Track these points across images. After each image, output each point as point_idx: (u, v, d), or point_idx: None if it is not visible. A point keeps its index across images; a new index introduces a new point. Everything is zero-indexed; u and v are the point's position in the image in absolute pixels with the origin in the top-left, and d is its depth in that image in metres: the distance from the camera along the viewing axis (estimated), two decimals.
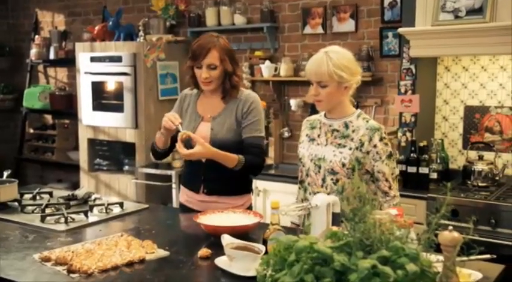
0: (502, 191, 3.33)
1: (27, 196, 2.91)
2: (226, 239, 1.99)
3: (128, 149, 4.75)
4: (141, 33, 4.61)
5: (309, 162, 2.42)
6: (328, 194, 2.35)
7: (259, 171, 2.63)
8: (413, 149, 3.49)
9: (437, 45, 3.31)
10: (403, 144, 3.56)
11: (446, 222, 3.29)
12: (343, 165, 2.31)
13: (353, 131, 2.34)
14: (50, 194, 2.96)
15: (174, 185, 4.28)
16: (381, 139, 2.30)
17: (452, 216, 3.20)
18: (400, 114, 3.60)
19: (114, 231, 2.34)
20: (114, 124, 4.70)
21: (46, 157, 5.78)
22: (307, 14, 4.29)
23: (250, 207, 2.69)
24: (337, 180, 2.34)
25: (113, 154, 4.99)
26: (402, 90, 3.56)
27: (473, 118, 3.72)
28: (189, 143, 2.45)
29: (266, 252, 1.83)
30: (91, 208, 2.64)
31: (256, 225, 2.23)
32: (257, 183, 4.01)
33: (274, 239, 1.46)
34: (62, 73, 5.93)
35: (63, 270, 1.86)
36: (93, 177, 4.95)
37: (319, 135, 2.44)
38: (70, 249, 2.01)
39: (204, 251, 2.01)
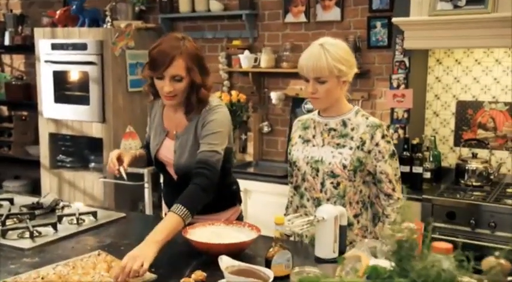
0: (498, 191, 3.17)
1: None
2: (225, 261, 1.71)
3: (94, 145, 4.39)
4: (108, 19, 4.24)
5: (304, 165, 2.19)
6: (328, 199, 2.14)
7: (210, 192, 2.04)
8: (405, 147, 3.29)
9: (434, 37, 3.10)
10: (394, 141, 3.34)
11: (443, 225, 3.18)
12: (344, 166, 2.09)
13: (352, 129, 2.13)
14: (11, 201, 2.62)
15: (146, 185, 3.97)
16: (383, 136, 2.11)
17: (448, 218, 3.03)
18: (392, 109, 3.39)
19: (89, 248, 2.03)
20: (79, 117, 4.32)
21: (2, 152, 5.33)
22: (289, 1, 4.02)
23: (240, 219, 2.41)
24: (338, 184, 2.12)
25: (78, 150, 4.62)
26: (394, 84, 3.34)
27: (466, 114, 3.54)
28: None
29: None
30: (60, 219, 2.33)
31: (251, 242, 1.96)
32: None
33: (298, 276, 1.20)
34: (18, 60, 5.47)
35: None
36: (56, 175, 4.57)
37: (314, 136, 2.21)
38: (39, 274, 1.70)
39: (198, 275, 1.73)
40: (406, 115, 3.33)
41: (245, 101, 4.07)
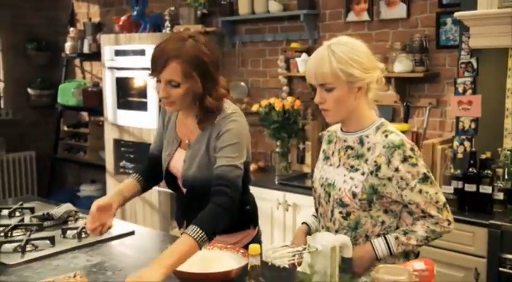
0: None
1: (4, 212, 2.54)
2: None
3: None
4: (167, 23, 4.16)
5: (319, 187, 1.89)
6: (337, 231, 1.80)
7: (232, 212, 1.80)
8: (472, 162, 2.81)
9: (505, 33, 2.61)
10: (459, 155, 2.88)
11: None
12: (354, 195, 1.74)
13: (368, 150, 1.77)
14: (32, 210, 2.58)
15: None
16: (405, 159, 1.71)
17: None
18: (457, 118, 2.93)
19: (73, 266, 1.90)
20: (139, 124, 4.30)
21: (79, 156, 5.51)
22: None
23: (258, 242, 2.11)
24: (348, 214, 1.78)
25: (139, 156, 4.58)
26: (460, 90, 2.88)
27: None
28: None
29: None
30: (64, 232, 2.22)
31: (239, 270, 1.70)
32: (286, 197, 3.46)
33: None
34: (97, 67, 5.61)
35: None
36: (119, 181, 4.58)
37: (333, 153, 1.89)
38: None
39: None
40: (473, 125, 2.86)
41: (302, 108, 3.78)
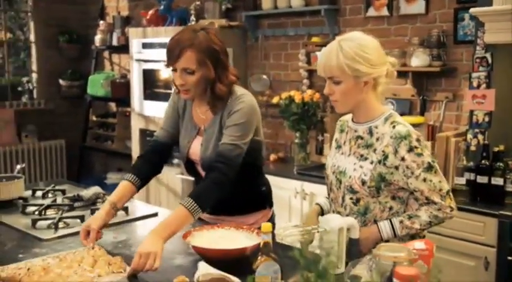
0: None
1: (38, 193, 2.73)
2: (201, 269, 1.62)
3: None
4: (192, 17, 4.31)
5: (331, 174, 2.01)
6: (347, 215, 1.92)
7: (224, 188, 1.96)
8: (485, 154, 2.89)
9: None
10: (473, 148, 2.96)
11: None
12: (363, 182, 1.86)
13: (377, 140, 1.87)
14: (63, 191, 2.76)
15: None
16: (410, 149, 1.81)
17: None
18: (471, 112, 3.00)
19: (101, 242, 2.04)
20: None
21: (106, 145, 5.71)
22: None
23: (272, 223, 2.27)
24: (358, 200, 1.89)
25: None
26: (474, 84, 2.96)
27: None
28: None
29: None
30: (92, 212, 2.38)
31: (254, 248, 1.83)
32: (304, 186, 3.59)
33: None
34: (125, 60, 5.80)
35: None
36: None
37: (344, 142, 2.01)
38: (26, 266, 1.74)
39: (180, 279, 1.65)
40: (487, 118, 2.93)
41: (321, 101, 3.88)
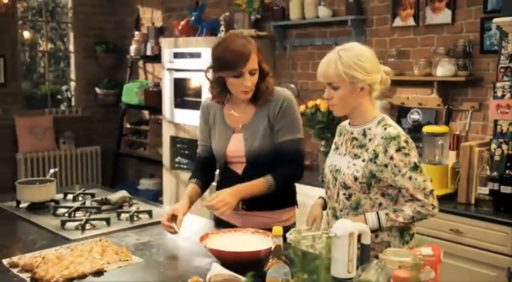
0: None
1: (69, 196, 2.86)
2: (214, 270, 1.69)
3: None
4: (222, 28, 4.41)
5: (328, 173, 2.16)
6: (341, 210, 2.07)
7: (297, 180, 2.36)
8: (509, 164, 2.87)
9: None
10: (497, 158, 2.95)
11: None
12: (356, 178, 1.99)
13: (369, 140, 2.02)
14: (92, 195, 2.89)
15: None
16: (399, 149, 1.95)
17: None
18: (495, 122, 2.99)
19: (123, 244, 2.14)
20: (194, 122, 4.56)
21: (139, 152, 5.87)
22: (397, 4, 3.78)
23: (294, 224, 2.39)
24: (350, 196, 2.03)
25: (193, 153, 4.86)
26: (499, 94, 2.95)
27: None
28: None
29: None
30: (118, 215, 2.50)
31: (267, 251, 1.89)
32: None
33: None
34: (158, 69, 5.96)
35: (27, 277, 1.76)
36: (174, 176, 4.89)
37: (342, 144, 2.16)
38: (41, 254, 1.91)
39: (195, 279, 1.73)
40: (511, 128, 2.91)
41: None
